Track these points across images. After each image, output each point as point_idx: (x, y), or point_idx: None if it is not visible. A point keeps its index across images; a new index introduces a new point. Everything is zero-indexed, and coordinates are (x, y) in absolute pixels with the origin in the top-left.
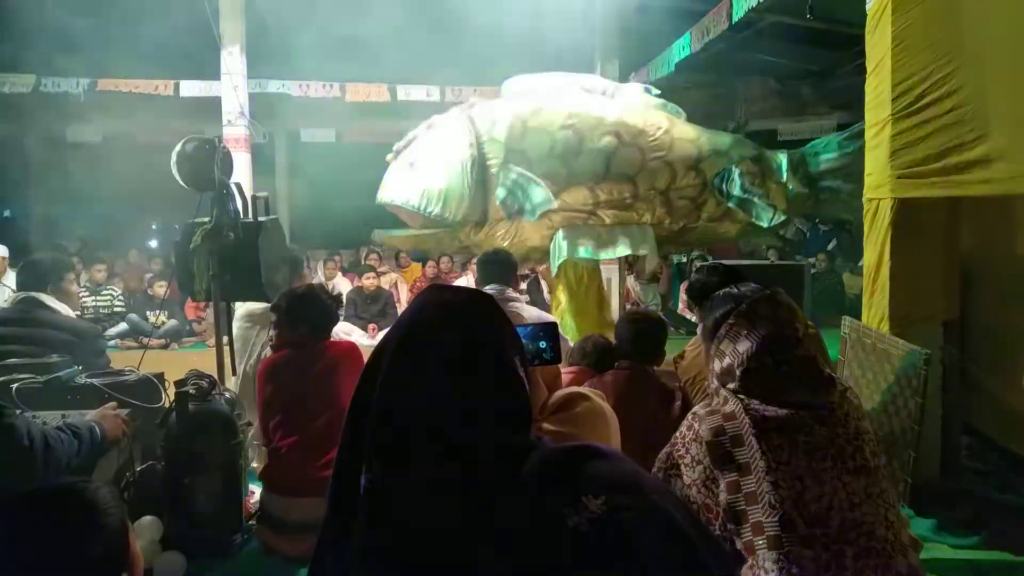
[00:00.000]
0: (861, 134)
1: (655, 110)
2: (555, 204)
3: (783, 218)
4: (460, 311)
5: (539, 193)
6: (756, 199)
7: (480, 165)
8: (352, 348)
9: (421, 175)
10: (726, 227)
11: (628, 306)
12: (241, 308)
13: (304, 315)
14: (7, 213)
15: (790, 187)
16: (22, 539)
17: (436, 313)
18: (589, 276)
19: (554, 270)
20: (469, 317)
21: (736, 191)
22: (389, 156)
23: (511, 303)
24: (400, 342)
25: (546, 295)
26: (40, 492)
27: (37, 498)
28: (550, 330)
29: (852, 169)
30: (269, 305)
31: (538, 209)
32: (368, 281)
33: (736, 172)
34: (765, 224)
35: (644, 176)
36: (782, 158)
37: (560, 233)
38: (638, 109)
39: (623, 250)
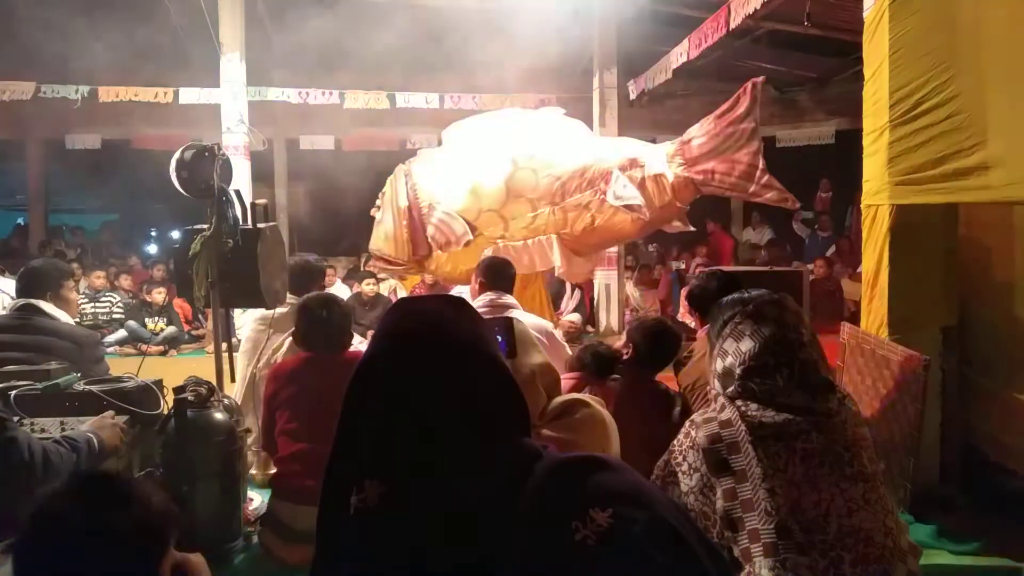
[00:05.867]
0: (724, 112)
1: (556, 130)
2: (471, 237)
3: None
4: (442, 318)
5: (458, 226)
6: (634, 196)
7: (417, 209)
8: (359, 356)
9: (380, 224)
10: (622, 224)
11: (628, 312)
12: (256, 310)
13: (328, 322)
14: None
15: (669, 175)
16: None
17: (419, 324)
18: (531, 282)
19: None
20: (452, 322)
21: (618, 191)
22: (373, 211)
23: (509, 310)
24: (389, 359)
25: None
26: (82, 481)
27: (82, 485)
28: (505, 324)
29: (722, 149)
30: (286, 309)
31: (461, 240)
32: (367, 287)
33: (616, 173)
34: (647, 217)
35: (539, 193)
36: (661, 151)
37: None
38: (536, 133)
39: (540, 265)
